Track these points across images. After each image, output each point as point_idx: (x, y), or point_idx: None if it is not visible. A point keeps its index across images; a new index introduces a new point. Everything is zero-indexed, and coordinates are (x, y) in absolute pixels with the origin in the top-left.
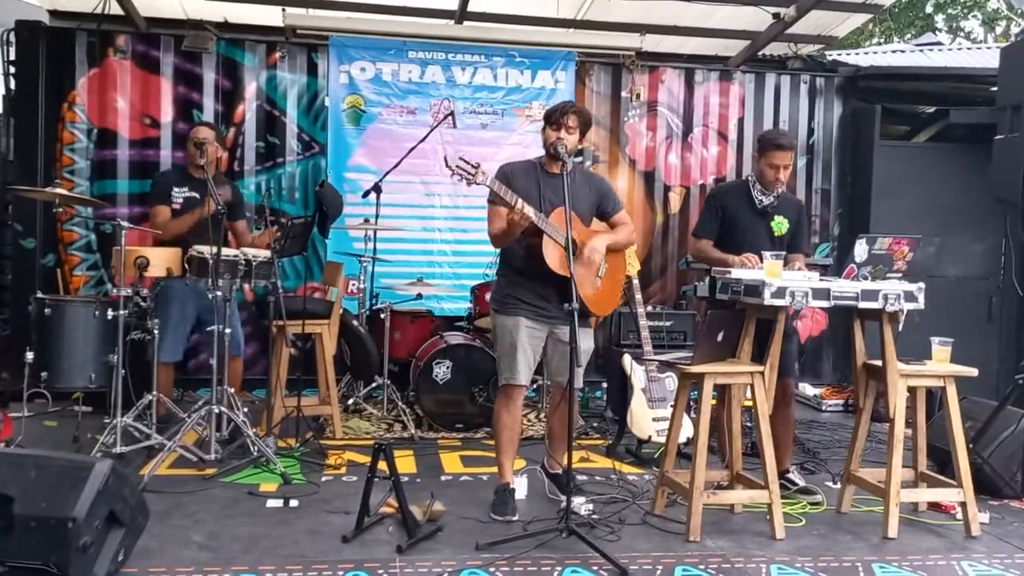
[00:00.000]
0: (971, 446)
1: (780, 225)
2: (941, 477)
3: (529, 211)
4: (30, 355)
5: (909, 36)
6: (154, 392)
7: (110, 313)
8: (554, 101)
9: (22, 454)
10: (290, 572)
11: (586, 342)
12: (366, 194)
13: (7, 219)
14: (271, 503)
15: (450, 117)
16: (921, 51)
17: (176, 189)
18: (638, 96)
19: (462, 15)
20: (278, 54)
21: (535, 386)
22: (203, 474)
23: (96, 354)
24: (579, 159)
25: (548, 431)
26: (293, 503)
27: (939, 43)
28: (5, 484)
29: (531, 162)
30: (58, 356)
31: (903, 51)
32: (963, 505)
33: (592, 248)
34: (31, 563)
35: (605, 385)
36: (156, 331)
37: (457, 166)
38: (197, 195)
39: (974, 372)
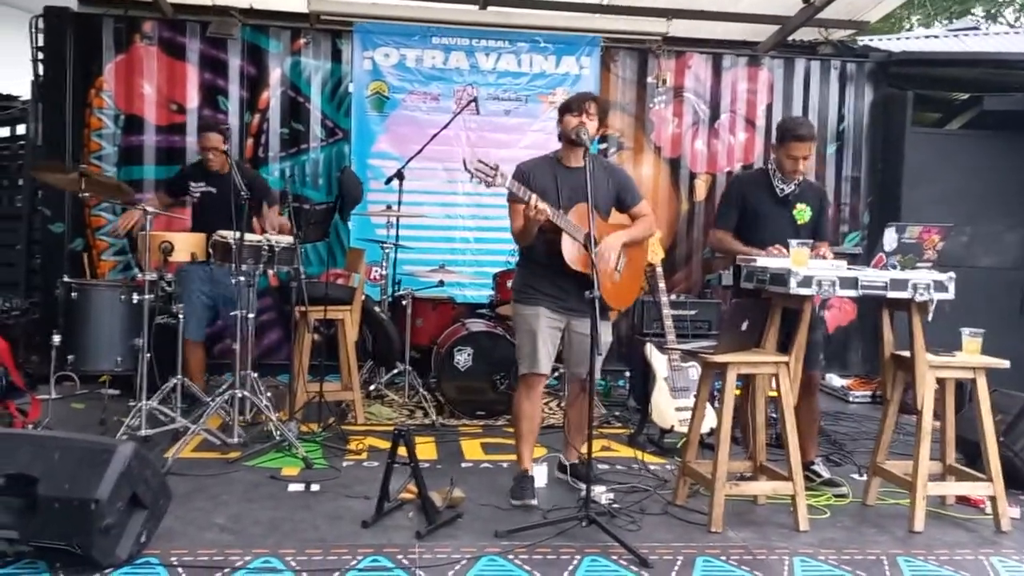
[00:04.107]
0: (1002, 439)
1: (803, 213)
2: (970, 471)
3: (544, 207)
4: (57, 338)
5: (946, 20)
6: (179, 376)
7: (136, 297)
8: (579, 87)
9: (46, 436)
10: (310, 556)
11: (605, 335)
12: (389, 180)
13: (36, 204)
14: (292, 487)
15: (473, 103)
16: (955, 36)
17: (193, 184)
18: (664, 82)
19: (486, 0)
20: (303, 40)
21: (556, 375)
22: (226, 458)
23: (122, 338)
24: (603, 145)
25: (566, 422)
26: (314, 487)
27: (975, 28)
28: (30, 465)
29: (547, 157)
30: (85, 339)
31: (936, 36)
32: (992, 499)
33: (608, 246)
34: (54, 543)
35: (628, 374)
36: (181, 315)
37: (476, 169)
38: (214, 190)
39: (1006, 364)
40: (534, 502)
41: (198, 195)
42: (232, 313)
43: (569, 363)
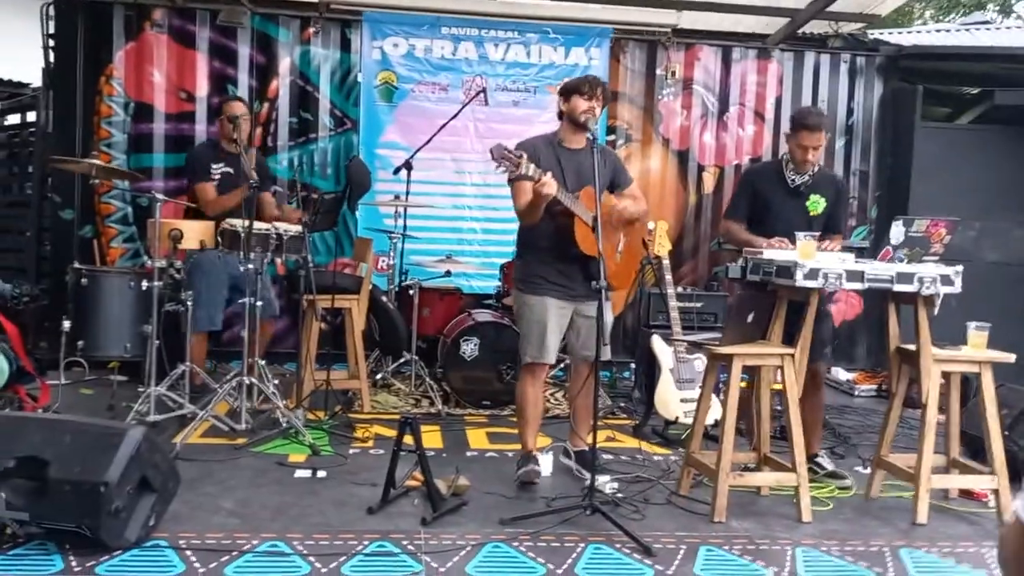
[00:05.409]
0: (1006, 433)
1: (816, 204)
2: (974, 464)
3: (552, 181)
4: (67, 324)
5: (957, 16)
6: (187, 363)
7: (145, 284)
8: None
9: (57, 419)
10: (317, 540)
11: (607, 315)
12: (397, 171)
13: (46, 191)
14: (299, 473)
15: (482, 94)
16: (967, 30)
17: (213, 165)
18: (673, 74)
19: None
20: (312, 29)
21: (562, 365)
22: (234, 443)
23: (131, 324)
24: (612, 137)
25: (573, 409)
26: (321, 474)
27: (987, 22)
28: (40, 448)
29: (546, 137)
30: (94, 325)
31: (947, 30)
32: (996, 493)
33: (617, 210)
34: (65, 525)
35: (633, 365)
36: (190, 302)
37: (502, 157)
38: (231, 170)
39: (1011, 358)
40: (538, 467)
41: (218, 176)
42: (240, 300)
43: (577, 348)
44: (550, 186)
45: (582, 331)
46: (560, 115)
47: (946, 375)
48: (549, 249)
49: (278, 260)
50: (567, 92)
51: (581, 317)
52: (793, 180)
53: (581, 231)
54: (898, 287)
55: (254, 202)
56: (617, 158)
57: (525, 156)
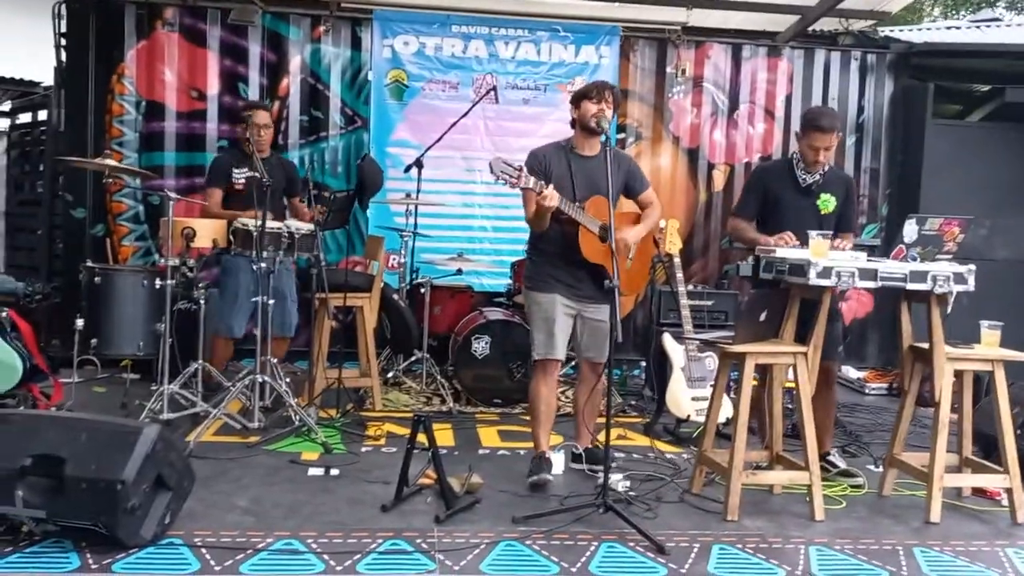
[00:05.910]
0: (1019, 432)
1: (827, 203)
2: (986, 463)
3: (554, 194)
4: (80, 322)
5: (967, 12)
6: (200, 361)
7: (157, 283)
8: (598, 76)
9: (73, 418)
10: (331, 539)
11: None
12: (407, 169)
13: (58, 189)
14: (312, 471)
15: (492, 92)
16: (977, 27)
17: (236, 170)
18: (683, 72)
19: None
20: (322, 28)
21: (573, 363)
22: (247, 442)
23: (144, 322)
24: (622, 135)
25: (578, 410)
26: (334, 472)
27: (997, 19)
28: (57, 446)
29: (559, 145)
30: (107, 324)
31: (958, 27)
32: (1009, 492)
33: (626, 245)
34: (81, 523)
35: (644, 364)
36: (203, 300)
37: (501, 171)
38: (257, 174)
39: None
40: (550, 476)
41: (243, 181)
42: (253, 300)
43: (583, 349)
44: (551, 199)
45: (587, 333)
46: (573, 123)
47: (959, 373)
48: (557, 253)
49: (290, 259)
50: (576, 99)
51: (588, 320)
52: (804, 179)
53: (586, 239)
54: (911, 286)
55: (266, 199)
56: (632, 162)
57: (524, 169)
